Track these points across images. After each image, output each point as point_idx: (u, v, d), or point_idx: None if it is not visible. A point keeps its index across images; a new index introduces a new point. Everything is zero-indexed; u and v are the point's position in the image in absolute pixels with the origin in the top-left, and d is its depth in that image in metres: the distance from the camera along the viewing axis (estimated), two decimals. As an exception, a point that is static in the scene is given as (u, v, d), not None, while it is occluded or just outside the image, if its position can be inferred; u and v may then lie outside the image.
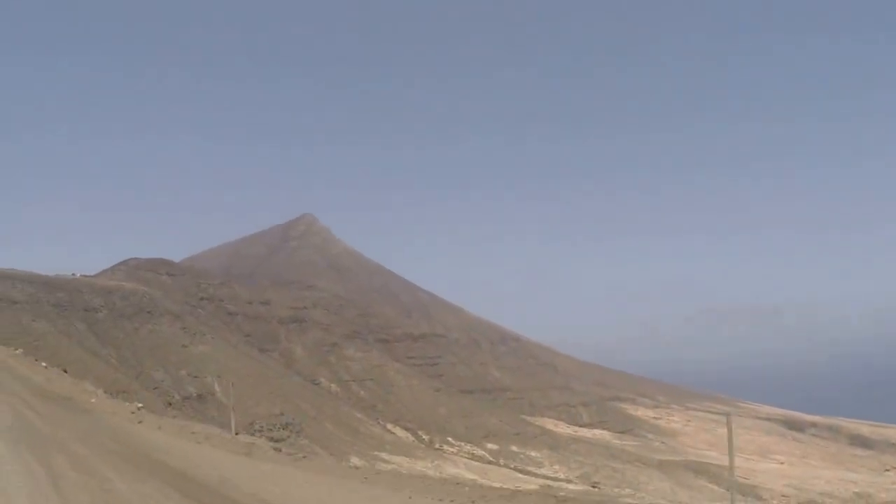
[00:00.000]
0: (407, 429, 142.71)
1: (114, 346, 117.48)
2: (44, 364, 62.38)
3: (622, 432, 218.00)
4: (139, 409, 53.69)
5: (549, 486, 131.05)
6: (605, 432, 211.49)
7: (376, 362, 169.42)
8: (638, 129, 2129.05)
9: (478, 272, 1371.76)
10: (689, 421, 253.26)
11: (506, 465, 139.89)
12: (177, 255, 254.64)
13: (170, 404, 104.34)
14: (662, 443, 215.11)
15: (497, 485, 79.52)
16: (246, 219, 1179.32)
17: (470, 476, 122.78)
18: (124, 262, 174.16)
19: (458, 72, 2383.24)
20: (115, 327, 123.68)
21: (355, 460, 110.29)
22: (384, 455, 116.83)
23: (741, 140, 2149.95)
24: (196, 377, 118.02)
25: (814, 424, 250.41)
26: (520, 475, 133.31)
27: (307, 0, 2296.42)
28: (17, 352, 67.01)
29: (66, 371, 61.25)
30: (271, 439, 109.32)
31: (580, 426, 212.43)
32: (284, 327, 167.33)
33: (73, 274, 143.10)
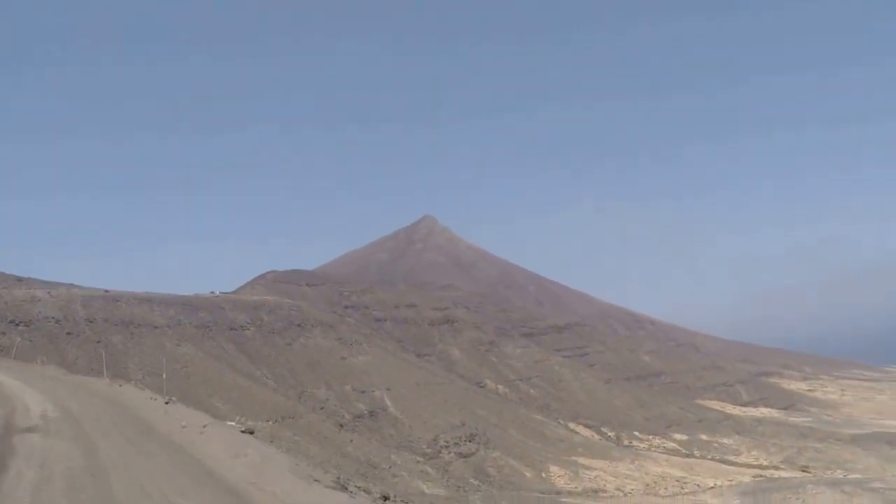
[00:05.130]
0: (589, 426, 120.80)
1: (267, 366, 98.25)
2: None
3: (785, 408, 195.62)
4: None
5: (762, 475, 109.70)
6: (770, 410, 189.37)
7: (538, 358, 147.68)
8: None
9: (593, 255, 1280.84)
10: (843, 390, 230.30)
11: (703, 457, 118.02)
12: (305, 265, 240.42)
13: (341, 426, 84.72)
14: (829, 416, 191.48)
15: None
16: (364, 225, 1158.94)
17: (678, 474, 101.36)
18: (262, 276, 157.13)
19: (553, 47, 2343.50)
20: (265, 345, 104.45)
21: (555, 469, 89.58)
22: (582, 460, 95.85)
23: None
24: (363, 391, 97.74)
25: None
26: (726, 467, 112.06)
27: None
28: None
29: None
30: (460, 455, 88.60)
31: (743, 406, 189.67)
32: (436, 329, 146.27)
33: (213, 292, 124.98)
